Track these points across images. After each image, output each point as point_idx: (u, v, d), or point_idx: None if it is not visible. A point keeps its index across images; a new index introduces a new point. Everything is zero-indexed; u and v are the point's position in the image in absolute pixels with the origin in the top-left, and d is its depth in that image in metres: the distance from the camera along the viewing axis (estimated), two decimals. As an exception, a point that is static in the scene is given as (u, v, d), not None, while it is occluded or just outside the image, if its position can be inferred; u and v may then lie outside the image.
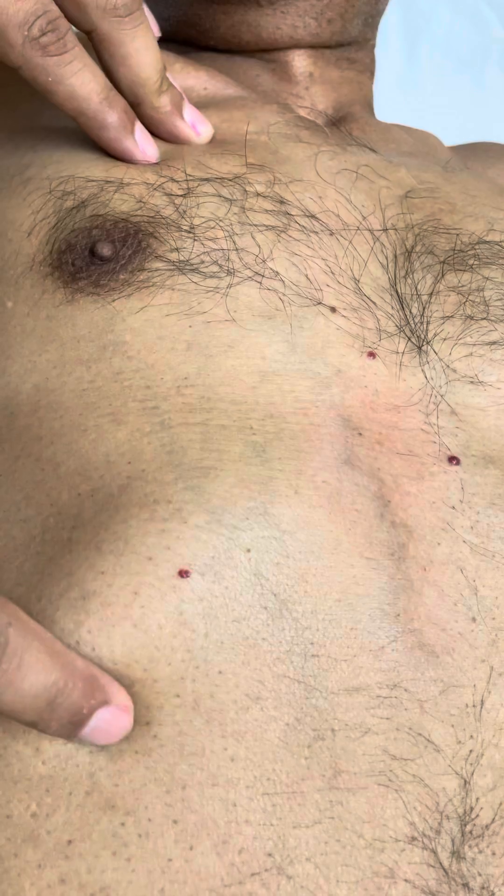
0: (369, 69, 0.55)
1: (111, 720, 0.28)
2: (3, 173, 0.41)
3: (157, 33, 0.42)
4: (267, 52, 0.51)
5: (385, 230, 0.40)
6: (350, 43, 0.53)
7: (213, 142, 0.43)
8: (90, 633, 0.29)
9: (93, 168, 0.39)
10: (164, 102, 0.40)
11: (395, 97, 0.72)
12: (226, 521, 0.30)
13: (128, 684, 0.28)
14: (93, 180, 0.38)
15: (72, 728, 0.27)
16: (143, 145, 0.39)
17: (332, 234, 0.39)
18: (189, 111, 0.42)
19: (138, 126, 0.39)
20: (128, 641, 0.29)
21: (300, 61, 0.51)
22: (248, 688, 0.29)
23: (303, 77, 0.51)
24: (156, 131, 0.41)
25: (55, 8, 0.36)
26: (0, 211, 0.39)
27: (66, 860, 0.27)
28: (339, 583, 0.30)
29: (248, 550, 0.30)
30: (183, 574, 0.29)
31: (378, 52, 0.59)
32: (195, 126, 0.42)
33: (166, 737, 0.28)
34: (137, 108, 0.40)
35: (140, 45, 0.39)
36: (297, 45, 0.50)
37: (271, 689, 0.29)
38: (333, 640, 0.30)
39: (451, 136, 0.60)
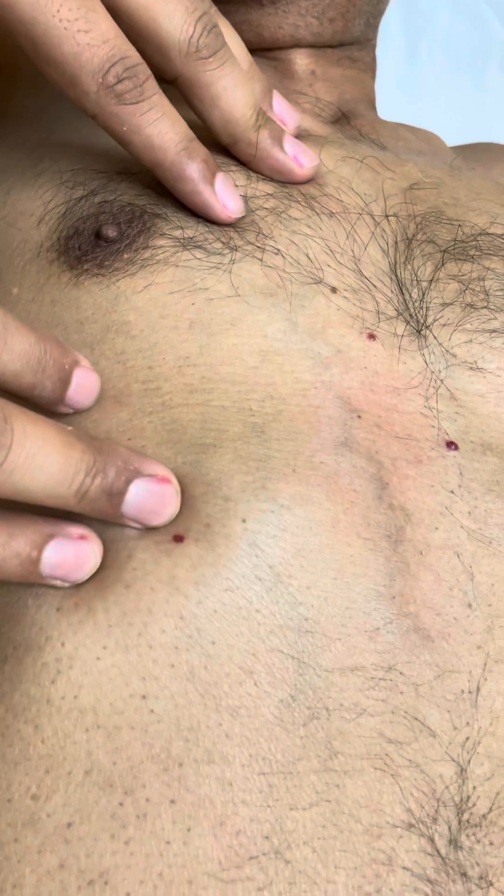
0: (371, 68, 0.56)
1: (86, 376, 0.32)
2: (13, 166, 0.42)
3: (246, 63, 0.40)
4: (269, 50, 0.51)
5: (386, 217, 0.40)
6: (352, 42, 0.53)
7: None
8: (85, 592, 0.29)
9: (104, 159, 0.39)
10: (261, 138, 0.39)
11: (396, 97, 0.72)
12: (222, 492, 0.30)
13: (124, 647, 0.29)
14: (103, 172, 0.39)
15: (62, 385, 0.31)
16: (223, 198, 0.37)
17: (331, 215, 0.39)
18: (290, 144, 0.40)
19: (220, 178, 0.37)
20: (121, 602, 0.29)
21: (302, 60, 0.51)
22: (241, 660, 0.29)
23: (305, 75, 0.51)
24: (257, 168, 0.40)
25: (135, 54, 0.34)
26: (11, 202, 0.40)
27: (65, 844, 0.27)
28: (335, 560, 0.31)
29: (244, 520, 0.30)
30: (177, 539, 0.30)
31: (379, 51, 0.59)
32: (297, 158, 0.40)
33: (162, 710, 0.28)
34: (235, 147, 0.39)
35: (228, 83, 0.37)
36: (298, 45, 0.51)
37: (264, 662, 0.29)
38: (328, 618, 0.30)
39: (451, 135, 0.60)
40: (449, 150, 0.56)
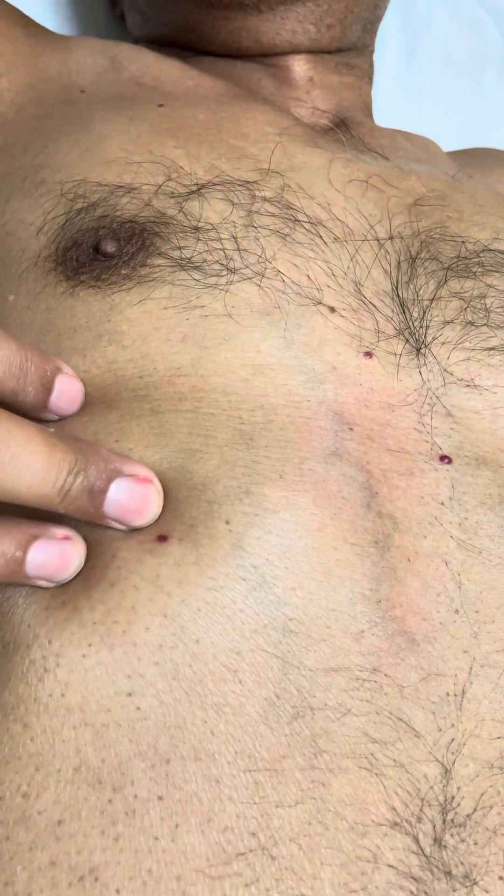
0: (368, 75, 0.56)
1: (69, 382, 0.33)
2: (14, 175, 0.42)
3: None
4: (266, 56, 0.51)
5: (391, 238, 0.40)
6: (349, 48, 0.53)
7: (234, 134, 0.43)
8: (72, 590, 0.30)
9: (105, 173, 0.40)
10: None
11: (393, 102, 0.72)
12: (206, 496, 0.31)
13: (109, 645, 0.29)
14: (104, 185, 0.39)
15: (44, 391, 0.32)
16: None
17: (336, 239, 0.39)
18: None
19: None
20: (105, 600, 0.30)
21: (299, 66, 0.51)
22: (225, 659, 0.29)
23: (303, 81, 0.51)
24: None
25: None
26: (11, 211, 0.40)
27: (56, 841, 0.28)
28: (321, 563, 0.31)
29: (228, 522, 0.31)
30: (161, 539, 0.30)
31: (376, 57, 0.59)
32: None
33: (148, 707, 0.29)
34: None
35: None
36: (296, 51, 0.51)
37: (249, 661, 0.29)
38: (313, 619, 0.30)
39: (448, 141, 0.60)
40: (446, 156, 0.56)
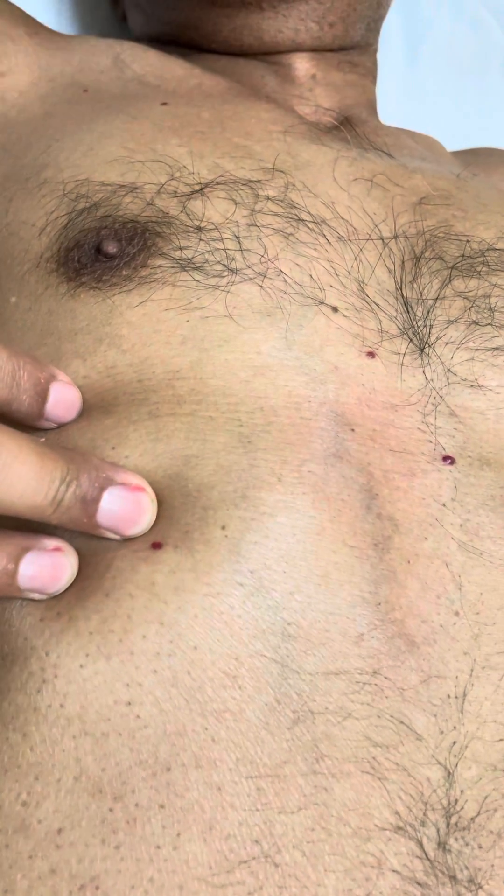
0: (372, 73, 0.56)
1: (64, 390, 0.33)
2: (17, 174, 0.42)
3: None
4: (269, 54, 0.51)
5: (395, 237, 0.40)
6: (352, 47, 0.53)
7: (237, 133, 0.43)
8: (67, 601, 0.30)
9: (108, 172, 0.40)
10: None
11: (396, 101, 0.72)
12: (201, 502, 0.31)
13: (106, 654, 0.29)
14: (107, 184, 0.39)
15: (39, 400, 0.32)
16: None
17: (340, 238, 0.39)
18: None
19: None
20: (100, 610, 0.29)
21: (302, 64, 0.51)
22: (224, 665, 0.29)
23: (306, 79, 0.51)
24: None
25: None
26: (14, 211, 0.40)
27: (56, 849, 0.27)
28: (320, 567, 0.31)
29: (224, 527, 0.30)
30: (155, 546, 0.30)
31: (379, 56, 0.59)
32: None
33: (148, 716, 0.29)
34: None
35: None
36: (299, 49, 0.51)
37: (248, 666, 0.29)
38: (312, 623, 0.30)
39: (451, 140, 0.60)
40: (449, 155, 0.56)
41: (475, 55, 0.74)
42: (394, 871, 0.28)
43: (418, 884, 0.28)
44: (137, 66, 0.49)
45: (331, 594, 0.31)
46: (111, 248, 0.36)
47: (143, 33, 0.57)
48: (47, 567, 0.30)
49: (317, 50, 0.51)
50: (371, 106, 0.55)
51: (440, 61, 0.74)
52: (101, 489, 0.30)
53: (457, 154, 0.59)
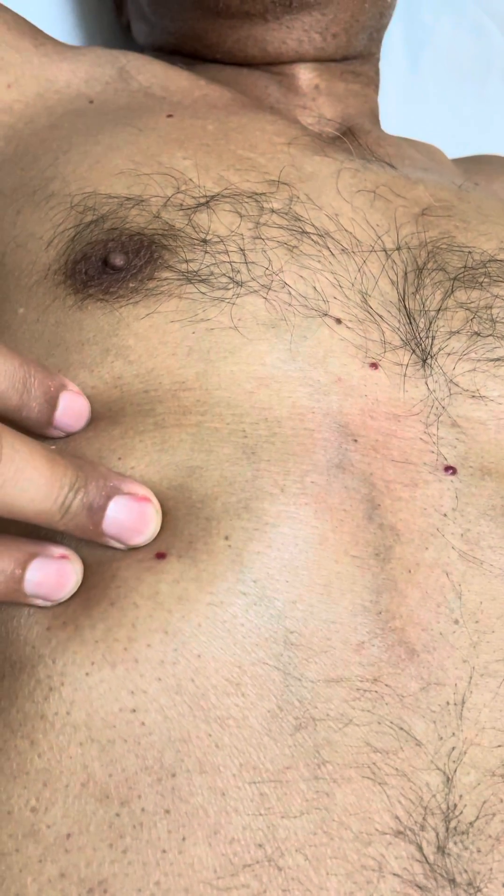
0: (374, 82, 0.56)
1: (73, 399, 0.33)
2: (25, 187, 0.42)
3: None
4: (272, 65, 0.51)
5: (398, 249, 0.40)
6: (355, 57, 0.53)
7: (242, 145, 0.43)
8: (73, 610, 0.31)
9: (115, 185, 0.40)
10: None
11: (398, 109, 0.72)
12: (205, 513, 0.31)
13: (111, 663, 0.29)
14: (113, 197, 0.39)
15: (48, 407, 0.32)
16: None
17: (343, 250, 0.39)
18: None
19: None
20: (105, 619, 0.30)
21: (305, 74, 0.51)
22: (227, 673, 0.30)
23: (309, 89, 0.51)
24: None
25: None
26: (22, 224, 0.41)
27: (65, 854, 0.28)
28: (322, 576, 0.31)
29: (227, 538, 0.31)
30: (160, 556, 0.31)
31: (381, 64, 0.59)
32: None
33: (153, 723, 0.29)
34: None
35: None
36: (302, 59, 0.51)
37: (250, 674, 0.30)
38: (313, 632, 0.31)
39: (453, 147, 0.60)
40: (451, 163, 0.56)
41: (476, 62, 0.74)
42: (394, 874, 0.29)
43: (418, 887, 0.28)
44: (143, 78, 0.50)
45: (332, 603, 0.31)
46: (118, 260, 0.37)
47: (147, 43, 0.57)
48: (53, 574, 0.30)
49: (320, 60, 0.52)
50: (373, 115, 0.55)
51: (441, 68, 0.74)
52: (108, 498, 0.30)
53: (458, 162, 0.59)
